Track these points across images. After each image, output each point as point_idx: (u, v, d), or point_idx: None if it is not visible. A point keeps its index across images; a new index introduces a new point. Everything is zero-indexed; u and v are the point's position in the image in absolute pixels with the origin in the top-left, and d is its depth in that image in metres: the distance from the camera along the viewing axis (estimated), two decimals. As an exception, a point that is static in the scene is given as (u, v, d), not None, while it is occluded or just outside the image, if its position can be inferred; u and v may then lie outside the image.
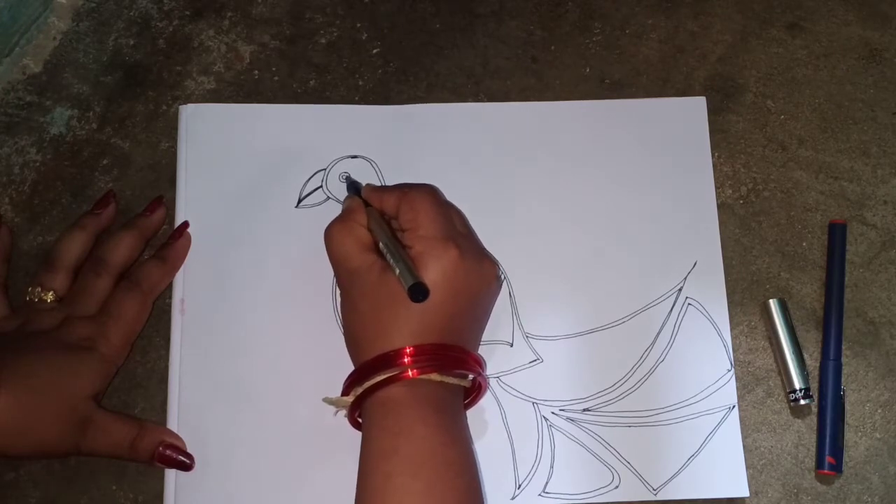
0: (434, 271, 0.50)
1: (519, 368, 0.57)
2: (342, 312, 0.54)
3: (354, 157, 0.61)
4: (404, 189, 0.54)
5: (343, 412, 0.53)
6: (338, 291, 0.58)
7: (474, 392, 0.54)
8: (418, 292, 0.48)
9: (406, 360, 0.49)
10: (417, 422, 0.49)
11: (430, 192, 0.54)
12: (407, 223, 0.52)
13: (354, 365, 0.52)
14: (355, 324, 0.52)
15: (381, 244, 0.52)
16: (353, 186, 0.59)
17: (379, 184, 0.60)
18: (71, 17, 0.65)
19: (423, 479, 0.47)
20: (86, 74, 0.63)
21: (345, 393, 0.52)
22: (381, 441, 0.49)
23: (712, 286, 0.59)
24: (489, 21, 0.65)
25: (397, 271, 0.50)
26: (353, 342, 0.52)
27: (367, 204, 0.55)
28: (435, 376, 0.50)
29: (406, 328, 0.50)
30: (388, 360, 0.49)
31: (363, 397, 0.50)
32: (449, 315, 0.51)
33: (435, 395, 0.50)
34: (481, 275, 0.52)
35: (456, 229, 0.53)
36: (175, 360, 0.57)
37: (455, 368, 0.51)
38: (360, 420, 0.52)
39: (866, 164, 0.62)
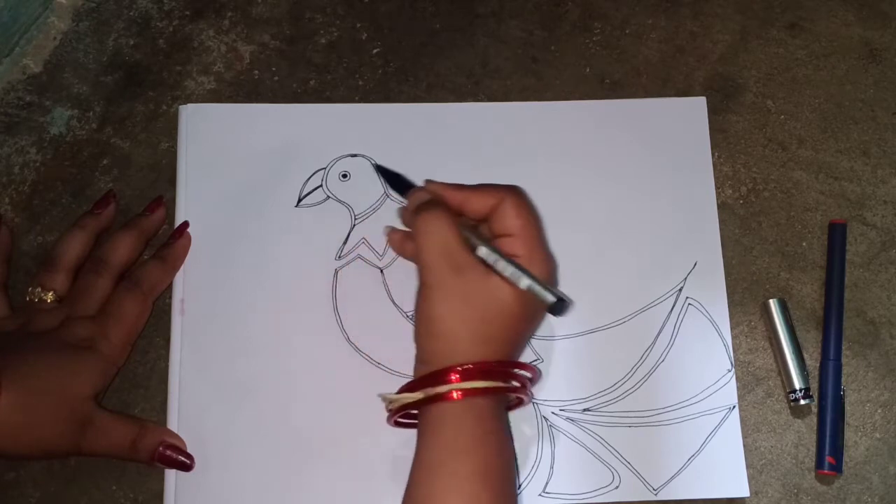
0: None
1: (519, 368, 0.57)
2: (427, 308, 0.50)
3: (354, 155, 0.61)
4: (502, 191, 0.52)
5: (388, 405, 0.51)
6: (338, 291, 0.58)
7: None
8: (563, 308, 0.48)
9: (515, 375, 0.50)
10: (478, 441, 0.48)
11: (526, 195, 0.53)
12: (508, 228, 0.51)
13: (429, 360, 0.50)
14: (454, 328, 0.49)
15: (484, 250, 0.50)
16: (398, 180, 0.57)
17: (380, 183, 0.60)
18: (71, 17, 0.65)
19: (491, 489, 0.47)
20: (86, 74, 0.63)
21: (414, 388, 0.50)
22: (440, 455, 0.48)
23: (712, 286, 0.59)
24: (489, 21, 0.65)
25: (525, 284, 0.49)
26: (446, 344, 0.50)
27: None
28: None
29: (510, 340, 0.50)
30: (490, 370, 0.49)
31: (429, 399, 0.49)
32: (539, 325, 0.51)
33: (494, 409, 0.50)
34: (554, 284, 0.53)
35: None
36: (175, 360, 0.57)
37: (523, 389, 0.52)
38: (399, 420, 0.51)
39: (866, 164, 0.62)
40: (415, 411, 0.50)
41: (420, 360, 0.51)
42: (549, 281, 0.51)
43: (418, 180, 0.60)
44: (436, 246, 0.50)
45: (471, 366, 0.48)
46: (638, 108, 0.63)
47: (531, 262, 0.50)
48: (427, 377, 0.49)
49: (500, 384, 0.50)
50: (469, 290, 0.49)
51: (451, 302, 0.49)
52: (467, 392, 0.48)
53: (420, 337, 0.51)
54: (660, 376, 0.57)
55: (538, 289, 0.49)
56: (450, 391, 0.48)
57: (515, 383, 0.51)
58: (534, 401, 0.57)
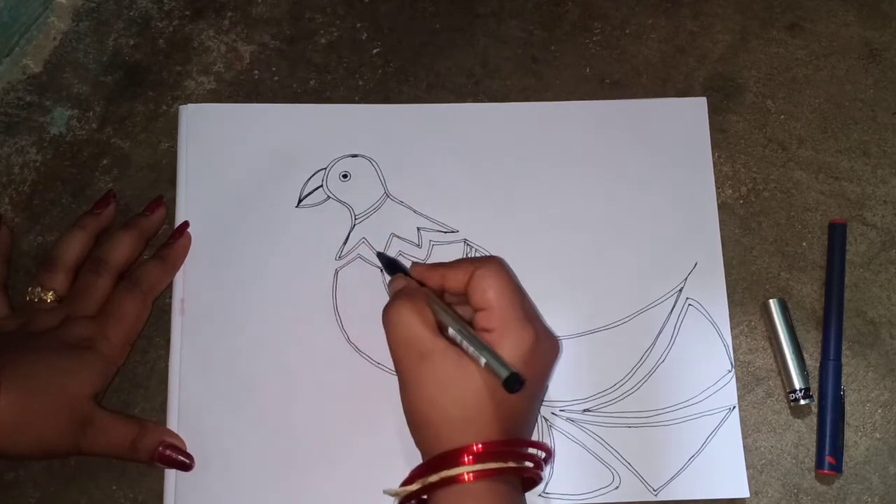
0: (513, 354, 0.48)
1: (519, 368, 0.57)
2: (408, 398, 0.50)
3: (355, 155, 0.61)
4: (475, 264, 0.51)
5: (395, 501, 0.50)
6: (338, 291, 0.58)
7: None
8: (515, 382, 0.46)
9: (515, 454, 0.48)
10: None
11: (503, 266, 0.51)
12: (482, 302, 0.49)
13: (424, 450, 0.50)
14: (432, 414, 0.49)
15: (451, 331, 0.49)
16: (392, 265, 0.57)
17: (380, 183, 0.60)
18: (71, 17, 0.65)
19: None
20: (86, 74, 0.63)
21: (411, 481, 0.49)
22: None
23: (712, 286, 0.59)
24: (489, 21, 0.65)
25: (483, 361, 0.47)
26: (429, 431, 0.49)
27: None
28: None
29: (490, 420, 0.48)
30: (467, 454, 0.47)
31: (431, 487, 0.48)
32: (527, 400, 0.49)
33: (505, 490, 0.48)
34: (551, 355, 0.51)
35: (529, 306, 0.51)
36: (175, 360, 0.57)
37: (536, 468, 0.50)
38: None
39: (866, 164, 0.62)
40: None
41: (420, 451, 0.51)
42: (529, 352, 0.49)
43: (420, 181, 0.60)
44: (400, 337, 0.50)
45: (480, 447, 0.47)
46: (638, 108, 0.63)
47: (503, 335, 0.48)
48: (421, 466, 0.49)
49: (494, 465, 0.47)
50: (439, 375, 0.48)
51: (423, 390, 0.49)
52: (454, 479, 0.47)
53: (410, 430, 0.51)
54: (660, 377, 0.57)
55: (494, 364, 0.47)
56: (440, 479, 0.47)
57: (528, 463, 0.49)
58: (534, 401, 0.57)
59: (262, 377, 0.56)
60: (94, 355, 0.53)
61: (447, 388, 0.48)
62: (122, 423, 0.53)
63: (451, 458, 0.47)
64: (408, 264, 0.57)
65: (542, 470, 0.51)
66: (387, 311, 0.50)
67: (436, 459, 0.48)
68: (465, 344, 0.48)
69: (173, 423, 0.55)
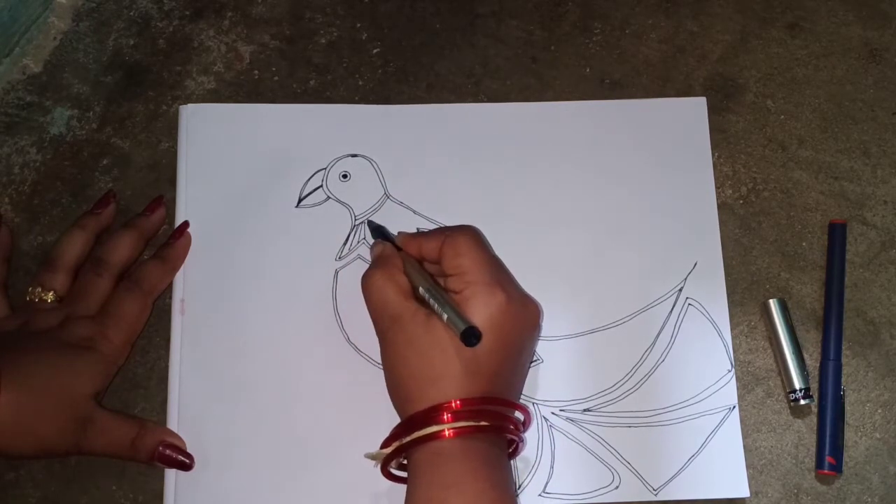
0: (482, 315, 0.49)
1: (519, 368, 0.57)
2: (384, 361, 0.52)
3: (354, 155, 0.61)
4: (446, 232, 0.53)
5: (376, 464, 0.51)
6: (338, 291, 0.58)
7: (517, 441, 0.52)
8: (471, 336, 0.47)
9: (461, 412, 0.48)
10: (467, 476, 0.47)
11: (474, 234, 0.53)
12: (452, 267, 0.51)
13: (400, 413, 0.51)
14: (402, 373, 0.50)
15: (421, 290, 0.51)
16: (378, 231, 0.58)
17: (380, 183, 0.60)
18: (71, 17, 0.65)
19: None
20: (86, 74, 0.63)
21: (388, 443, 0.50)
22: (429, 492, 0.47)
23: (712, 286, 0.59)
24: (489, 21, 0.65)
25: (445, 317, 0.48)
26: (401, 391, 0.50)
27: (397, 249, 0.55)
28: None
29: (458, 376, 0.48)
30: (441, 411, 0.48)
31: (409, 447, 0.49)
32: (498, 360, 0.50)
33: (485, 448, 0.49)
34: (526, 318, 0.52)
35: (501, 272, 0.52)
36: (175, 360, 0.57)
37: (503, 423, 0.50)
38: (392, 472, 0.51)
39: (866, 164, 0.62)
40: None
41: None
42: (498, 313, 0.49)
43: (420, 181, 0.60)
44: (374, 302, 0.52)
45: (450, 405, 0.48)
46: (638, 108, 0.63)
47: (471, 297, 0.49)
48: (397, 427, 0.50)
49: (465, 424, 0.48)
50: (408, 334, 0.50)
51: (395, 351, 0.50)
52: (429, 438, 0.48)
53: (390, 397, 0.52)
54: (660, 376, 0.57)
55: (453, 318, 0.48)
56: (413, 440, 0.48)
57: (510, 424, 0.50)
58: (534, 401, 0.57)
59: (262, 377, 0.56)
60: (94, 355, 0.53)
61: (415, 347, 0.49)
62: (121, 423, 0.53)
63: (425, 416, 0.48)
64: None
65: (521, 432, 0.51)
66: (363, 279, 0.52)
67: (410, 419, 0.49)
68: (431, 302, 0.50)
69: (173, 423, 0.55)
